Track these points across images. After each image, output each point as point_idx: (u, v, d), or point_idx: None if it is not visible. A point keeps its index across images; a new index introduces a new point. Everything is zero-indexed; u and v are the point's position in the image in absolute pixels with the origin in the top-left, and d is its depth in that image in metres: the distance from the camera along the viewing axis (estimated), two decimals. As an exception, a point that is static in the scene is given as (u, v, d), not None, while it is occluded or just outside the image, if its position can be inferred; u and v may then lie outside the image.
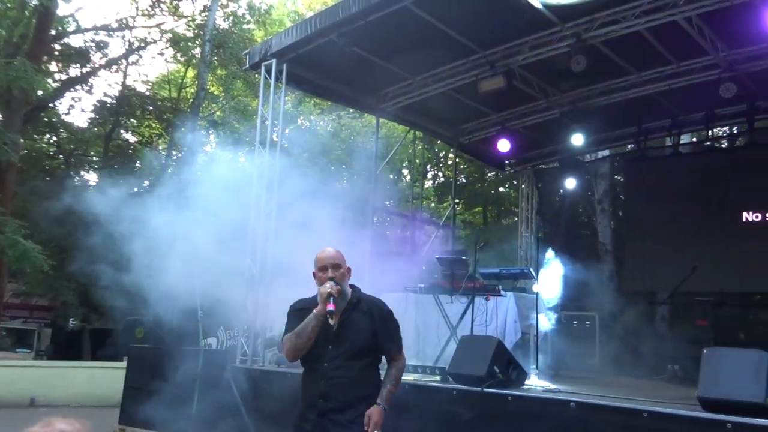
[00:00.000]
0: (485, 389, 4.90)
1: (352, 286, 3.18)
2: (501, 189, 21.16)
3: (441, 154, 20.51)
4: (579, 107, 9.39)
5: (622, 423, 4.33)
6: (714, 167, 10.13)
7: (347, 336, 3.01)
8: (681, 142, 12.01)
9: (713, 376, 4.23)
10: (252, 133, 10.87)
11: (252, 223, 7.90)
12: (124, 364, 8.43)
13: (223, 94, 19.41)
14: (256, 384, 6.74)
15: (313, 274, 3.10)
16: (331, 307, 2.90)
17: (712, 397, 4.13)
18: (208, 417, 6.46)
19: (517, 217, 13.28)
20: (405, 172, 19.23)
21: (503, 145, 10.02)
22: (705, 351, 4.51)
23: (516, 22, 7.56)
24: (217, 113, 19.51)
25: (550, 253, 11.90)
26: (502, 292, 7.43)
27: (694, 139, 12.38)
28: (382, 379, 3.07)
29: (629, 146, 11.73)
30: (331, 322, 2.97)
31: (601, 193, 14.40)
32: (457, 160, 14.68)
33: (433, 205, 19.88)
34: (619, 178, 13.41)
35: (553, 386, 5.80)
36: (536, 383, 6.01)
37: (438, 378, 5.84)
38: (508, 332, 7.56)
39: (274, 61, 8.20)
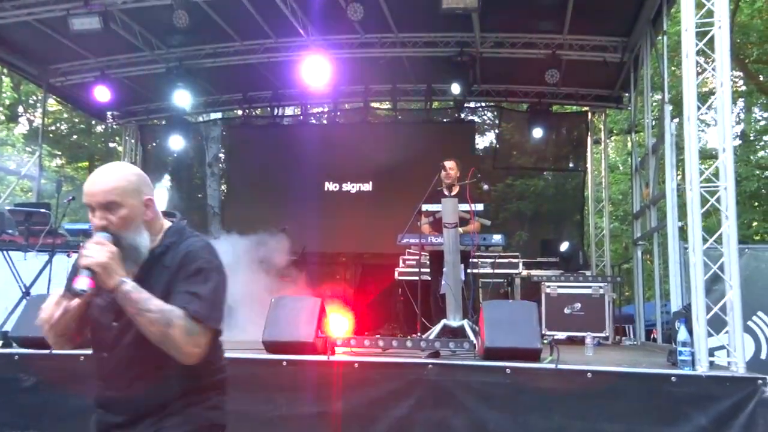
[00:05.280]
0: (54, 351, 4.53)
1: (169, 215, 2.02)
2: (111, 144, 19.70)
3: (37, 97, 17.93)
4: (186, 65, 9.31)
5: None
6: (306, 140, 11.38)
7: None
8: (285, 113, 13.12)
9: (276, 322, 4.76)
10: None
11: None
12: None
13: None
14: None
15: None
16: (84, 284, 1.73)
17: (273, 339, 4.64)
18: None
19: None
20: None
21: (102, 94, 9.27)
22: (272, 299, 5.04)
23: (115, -40, 7.04)
24: None
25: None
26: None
27: (298, 112, 13.60)
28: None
29: (238, 111, 12.27)
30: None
31: (211, 157, 14.68)
32: (57, 105, 12.96)
33: (26, 155, 17.27)
34: (228, 143, 13.86)
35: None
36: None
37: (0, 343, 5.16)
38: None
39: None
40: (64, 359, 4.46)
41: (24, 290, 6.08)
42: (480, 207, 5.78)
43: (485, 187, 6.22)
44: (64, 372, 4.44)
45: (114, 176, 1.87)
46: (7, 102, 17.75)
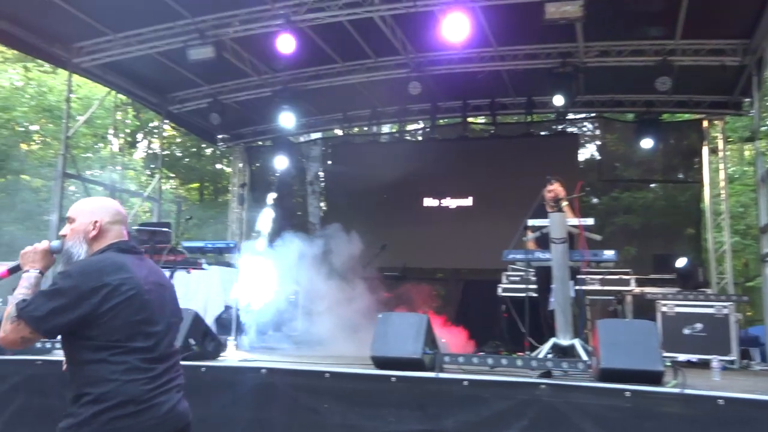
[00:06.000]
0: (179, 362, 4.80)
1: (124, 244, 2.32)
2: (219, 165, 20.82)
3: (154, 123, 19.32)
4: (290, 88, 9.70)
5: (307, 384, 4.61)
6: (404, 156, 11.49)
7: None
8: (382, 131, 13.37)
9: (384, 337, 4.78)
10: None
11: None
12: None
13: None
14: None
15: None
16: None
17: (382, 355, 4.67)
18: None
19: (230, 194, 13.25)
20: (113, 140, 17.64)
21: (214, 118, 9.86)
22: (380, 315, 5.08)
23: (227, -8, 7.52)
24: None
25: (260, 230, 12.16)
26: (205, 266, 7.31)
27: (394, 129, 13.79)
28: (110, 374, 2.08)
29: (337, 131, 12.63)
30: None
31: (312, 175, 15.17)
32: (170, 130, 13.93)
33: (144, 178, 18.61)
34: (328, 161, 14.27)
35: (249, 356, 5.93)
36: (233, 354, 6.06)
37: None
38: (211, 305, 7.50)
39: (-72, -12, 6.70)
40: (188, 369, 4.64)
41: (149, 304, 6.50)
42: (590, 221, 5.57)
43: (594, 200, 6.00)
44: (188, 381, 4.63)
45: (82, 202, 2.38)
46: (128, 129, 19.23)
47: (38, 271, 2.23)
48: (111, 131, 13.68)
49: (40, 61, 12.80)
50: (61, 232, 2.32)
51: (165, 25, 8.12)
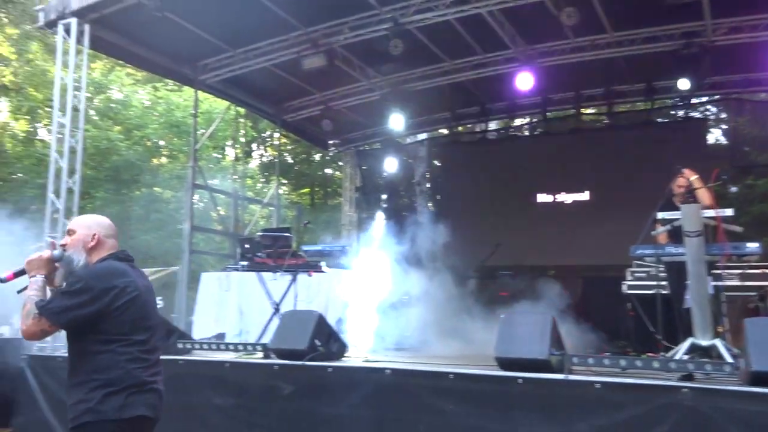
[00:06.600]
0: (306, 362, 4.96)
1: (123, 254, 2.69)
2: (328, 170, 21.42)
3: (266, 133, 20.24)
4: (398, 90, 9.79)
5: (431, 385, 4.62)
6: (515, 153, 11.24)
7: None
8: (489, 128, 13.15)
9: (508, 338, 4.69)
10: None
11: (50, 196, 7.18)
12: None
13: (15, 56, 17.15)
14: (57, 373, 6.12)
15: None
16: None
17: (506, 356, 4.57)
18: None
19: (342, 198, 13.61)
20: (231, 150, 18.70)
21: (327, 125, 10.16)
22: (502, 315, 4.98)
23: (336, 1, 7.70)
24: (7, 77, 17.21)
25: (372, 233, 12.37)
26: (325, 269, 7.54)
27: (500, 126, 13.54)
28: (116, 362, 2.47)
29: (443, 131, 12.59)
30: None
31: (419, 176, 15.21)
32: (282, 139, 14.53)
33: (260, 186, 19.55)
34: (435, 161, 14.26)
35: (371, 357, 6.02)
36: (356, 355, 6.19)
37: (260, 355, 5.78)
38: (332, 307, 7.70)
39: (74, 21, 7.43)
40: (316, 370, 4.88)
41: (275, 307, 6.80)
42: (729, 212, 5.15)
43: (733, 189, 5.54)
44: (316, 381, 4.84)
45: (81, 218, 2.79)
46: (244, 140, 20.28)
47: (43, 276, 2.58)
48: (230, 142, 14.51)
49: (167, 80, 13.82)
50: (62, 242, 2.68)
51: (279, 38, 8.49)
